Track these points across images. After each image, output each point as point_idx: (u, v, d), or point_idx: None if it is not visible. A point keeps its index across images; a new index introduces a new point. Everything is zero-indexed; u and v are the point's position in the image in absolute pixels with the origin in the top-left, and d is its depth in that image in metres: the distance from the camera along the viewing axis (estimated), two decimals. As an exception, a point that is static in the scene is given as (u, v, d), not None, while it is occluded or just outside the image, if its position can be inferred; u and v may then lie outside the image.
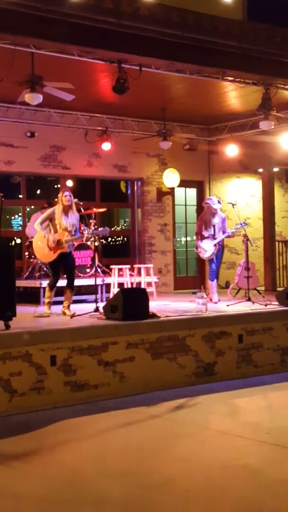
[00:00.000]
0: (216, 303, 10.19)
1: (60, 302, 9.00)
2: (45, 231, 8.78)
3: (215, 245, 10.46)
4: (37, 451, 5.50)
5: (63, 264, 8.92)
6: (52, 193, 13.74)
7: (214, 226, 10.49)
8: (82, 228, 9.58)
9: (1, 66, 8.41)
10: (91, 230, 9.49)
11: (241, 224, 10.48)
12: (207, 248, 10.48)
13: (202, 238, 10.54)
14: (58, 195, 8.93)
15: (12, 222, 15.42)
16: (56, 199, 9.05)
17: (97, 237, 10.02)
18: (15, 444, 5.74)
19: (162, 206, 14.01)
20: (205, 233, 10.50)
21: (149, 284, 11.42)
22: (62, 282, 9.12)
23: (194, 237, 10.78)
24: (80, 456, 5.42)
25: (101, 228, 9.61)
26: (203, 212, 10.84)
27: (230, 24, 8.92)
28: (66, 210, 8.78)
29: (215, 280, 10.65)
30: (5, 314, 7.19)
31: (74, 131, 12.56)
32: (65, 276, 9.01)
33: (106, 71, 9.36)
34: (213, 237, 10.45)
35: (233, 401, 7.30)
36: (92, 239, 9.48)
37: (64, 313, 8.72)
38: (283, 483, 4.66)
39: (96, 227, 11.02)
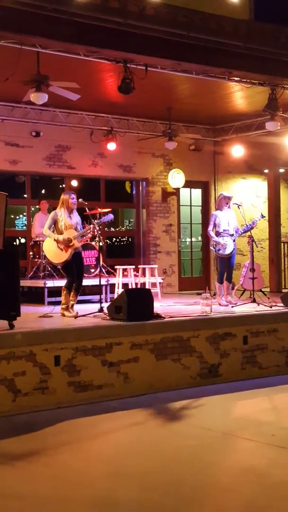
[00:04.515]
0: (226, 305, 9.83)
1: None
2: (53, 234, 8.70)
3: (234, 241, 10.03)
4: (40, 451, 5.48)
5: (75, 264, 8.83)
6: (57, 193, 13.74)
7: (228, 221, 10.04)
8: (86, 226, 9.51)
9: (6, 65, 8.40)
10: (96, 221, 9.32)
11: (258, 217, 10.38)
12: (228, 243, 9.96)
13: (217, 234, 9.97)
14: (62, 198, 8.80)
15: (17, 222, 15.44)
16: (59, 200, 8.95)
17: (101, 237, 9.97)
18: (19, 444, 5.72)
19: (167, 207, 13.99)
20: (219, 229, 10.00)
21: (153, 284, 11.39)
22: (62, 282, 9.05)
23: (212, 233, 9.98)
24: (84, 457, 5.41)
25: (105, 216, 9.53)
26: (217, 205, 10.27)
27: (237, 24, 8.89)
28: (69, 211, 8.77)
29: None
30: (9, 314, 7.18)
31: (79, 131, 12.55)
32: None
33: (112, 71, 9.35)
34: (228, 233, 9.99)
35: (238, 403, 7.28)
36: (97, 239, 9.43)
37: (63, 314, 8.66)
38: (288, 486, 4.64)
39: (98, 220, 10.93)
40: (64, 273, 9.02)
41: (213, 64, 9.06)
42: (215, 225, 10.02)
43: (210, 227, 10.07)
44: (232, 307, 9.63)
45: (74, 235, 8.65)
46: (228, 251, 9.99)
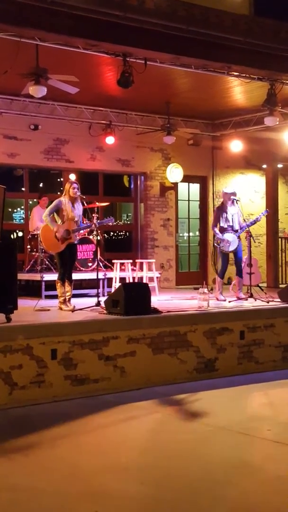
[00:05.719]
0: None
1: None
2: (53, 222, 8.73)
3: (238, 236, 10.03)
4: (36, 444, 5.49)
5: (69, 255, 8.83)
6: (55, 186, 13.72)
7: (232, 216, 10.02)
8: (85, 221, 9.53)
9: (5, 58, 8.38)
10: (96, 217, 9.37)
11: (263, 213, 10.37)
12: (232, 240, 9.97)
13: (222, 229, 9.96)
14: (66, 186, 8.86)
15: (14, 215, 15.42)
16: (60, 192, 8.99)
17: (99, 231, 9.98)
18: (15, 437, 5.72)
19: (165, 201, 13.98)
20: (224, 224, 10.01)
21: (151, 279, 11.40)
22: (55, 276, 9.05)
23: (216, 229, 9.99)
24: (80, 450, 5.41)
25: (107, 218, 9.57)
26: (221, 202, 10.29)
27: (236, 18, 8.87)
28: (72, 201, 8.77)
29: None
30: (7, 307, 7.18)
31: (78, 125, 12.53)
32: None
33: (111, 64, 9.32)
34: (232, 228, 9.99)
35: (234, 398, 7.29)
36: (95, 233, 9.44)
37: (60, 308, 8.68)
38: (284, 480, 4.65)
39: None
40: (57, 263, 8.99)
41: (213, 59, 9.04)
42: (219, 221, 10.02)
43: (214, 224, 10.09)
44: (229, 302, 9.65)
45: (73, 228, 8.65)
46: (232, 247, 10.01)
